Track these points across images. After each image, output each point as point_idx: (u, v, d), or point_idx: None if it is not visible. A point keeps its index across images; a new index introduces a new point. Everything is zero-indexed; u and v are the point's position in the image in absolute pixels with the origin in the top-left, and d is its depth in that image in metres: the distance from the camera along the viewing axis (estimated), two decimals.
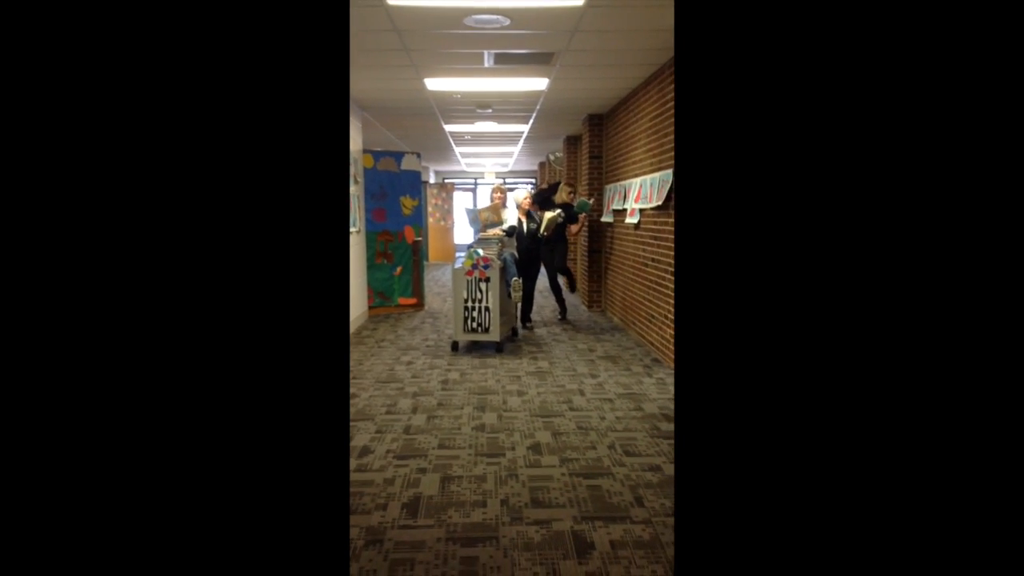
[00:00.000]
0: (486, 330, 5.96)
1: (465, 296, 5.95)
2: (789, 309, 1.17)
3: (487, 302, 5.96)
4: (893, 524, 1.16)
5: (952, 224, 1.13)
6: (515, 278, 6.11)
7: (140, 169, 1.17)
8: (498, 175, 18.12)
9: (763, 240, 1.17)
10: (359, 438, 3.78)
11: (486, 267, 5.94)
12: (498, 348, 6.06)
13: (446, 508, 2.89)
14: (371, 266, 8.21)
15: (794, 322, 1.17)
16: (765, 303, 1.18)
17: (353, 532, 2.67)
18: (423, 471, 3.30)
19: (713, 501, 1.20)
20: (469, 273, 5.94)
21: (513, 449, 3.59)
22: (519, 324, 7.09)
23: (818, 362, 1.17)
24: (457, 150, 12.34)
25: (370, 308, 8.17)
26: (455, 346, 6.17)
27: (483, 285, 5.93)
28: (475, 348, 6.23)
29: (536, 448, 3.61)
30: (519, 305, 6.96)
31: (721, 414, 1.20)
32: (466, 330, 5.99)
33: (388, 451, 3.58)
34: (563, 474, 3.26)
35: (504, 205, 6.78)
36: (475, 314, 5.97)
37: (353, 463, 3.41)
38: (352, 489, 3.08)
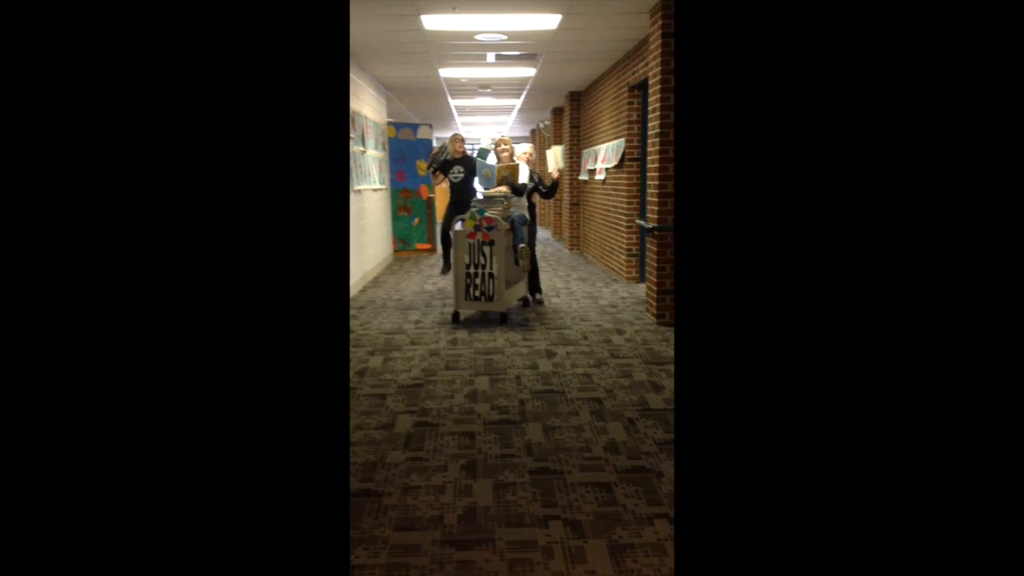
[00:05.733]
0: (490, 299, 5.36)
1: (467, 261, 5.34)
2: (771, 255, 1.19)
3: (491, 268, 5.31)
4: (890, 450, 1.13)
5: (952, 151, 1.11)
6: (522, 244, 5.44)
7: (142, 163, 1.16)
8: (492, 140, 19.80)
9: (744, 199, 1.19)
10: (412, 315, 5.84)
11: (490, 228, 5.32)
12: (503, 319, 5.48)
13: (472, 343, 4.95)
14: (394, 217, 10.20)
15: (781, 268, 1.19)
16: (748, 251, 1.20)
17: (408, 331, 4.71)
18: (457, 328, 5.37)
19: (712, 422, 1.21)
20: (471, 236, 5.33)
21: (510, 321, 5.66)
22: (529, 294, 6.28)
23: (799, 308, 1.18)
24: (459, 119, 14.23)
25: (395, 251, 10.18)
26: (456, 317, 5.55)
27: (487, 249, 5.31)
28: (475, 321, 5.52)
29: (525, 320, 5.67)
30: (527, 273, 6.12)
31: (715, 363, 1.21)
32: (468, 299, 5.40)
33: (440, 312, 5.65)
34: (542, 328, 5.32)
35: (512, 159, 5.97)
36: (478, 281, 5.34)
37: (413, 324, 5.47)
38: (410, 323, 5.13)
